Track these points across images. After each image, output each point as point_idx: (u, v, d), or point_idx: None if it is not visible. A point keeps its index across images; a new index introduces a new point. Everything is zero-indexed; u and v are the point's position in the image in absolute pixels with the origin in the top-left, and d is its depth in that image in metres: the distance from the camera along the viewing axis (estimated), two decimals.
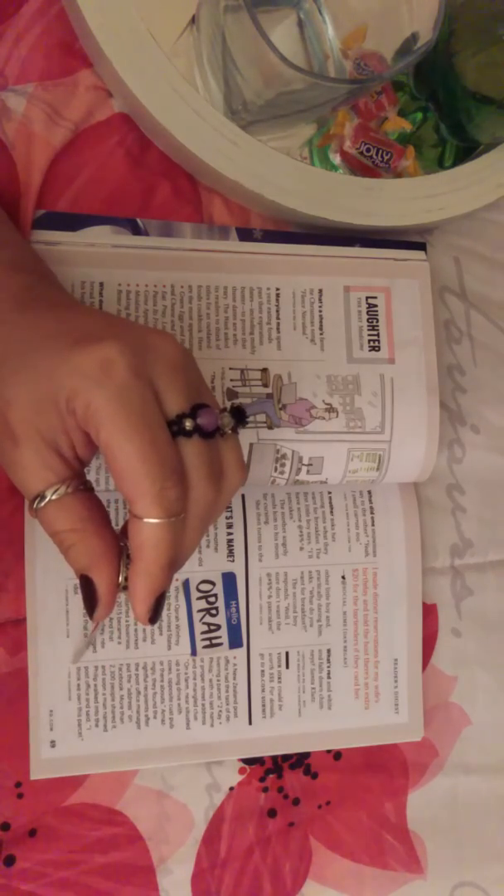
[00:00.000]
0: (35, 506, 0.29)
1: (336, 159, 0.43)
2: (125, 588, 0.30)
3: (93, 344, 0.28)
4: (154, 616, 0.30)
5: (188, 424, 0.28)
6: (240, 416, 0.31)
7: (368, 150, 0.43)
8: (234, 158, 0.39)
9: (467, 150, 0.45)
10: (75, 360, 0.27)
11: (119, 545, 0.30)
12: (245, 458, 0.39)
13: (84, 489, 0.30)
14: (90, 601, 0.30)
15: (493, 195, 0.44)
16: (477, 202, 0.44)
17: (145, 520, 0.28)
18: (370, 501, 0.43)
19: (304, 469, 0.41)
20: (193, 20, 0.40)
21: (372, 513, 0.43)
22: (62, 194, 0.40)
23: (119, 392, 0.27)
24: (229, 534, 0.41)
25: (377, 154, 0.43)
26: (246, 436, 0.39)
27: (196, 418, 0.29)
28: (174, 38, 0.40)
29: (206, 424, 0.29)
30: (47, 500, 0.29)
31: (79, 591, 0.39)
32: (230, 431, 0.31)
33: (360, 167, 0.43)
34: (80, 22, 0.38)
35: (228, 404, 0.31)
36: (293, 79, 0.35)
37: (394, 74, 0.38)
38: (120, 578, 0.30)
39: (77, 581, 0.39)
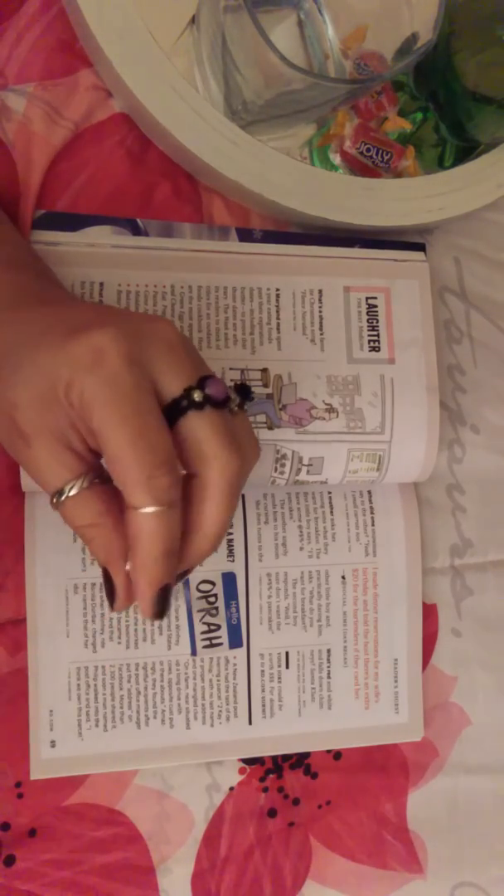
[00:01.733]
0: (54, 501, 0.29)
1: (336, 159, 0.43)
2: None
3: (85, 332, 0.27)
4: (159, 611, 0.29)
5: (197, 396, 0.28)
6: (245, 392, 0.31)
7: (368, 150, 0.43)
8: (234, 158, 0.39)
9: (467, 150, 0.45)
10: (68, 349, 0.27)
11: None
12: None
13: (100, 482, 0.29)
14: (109, 594, 0.30)
15: (493, 195, 0.44)
16: (477, 202, 0.44)
17: (138, 510, 0.27)
18: (370, 501, 0.43)
19: (304, 469, 0.41)
20: (193, 20, 0.40)
21: (372, 513, 0.43)
22: (62, 194, 0.40)
23: (110, 379, 0.27)
24: (229, 534, 0.41)
25: (377, 154, 0.43)
26: None
27: (204, 389, 0.28)
28: (174, 38, 0.40)
29: (215, 393, 0.28)
30: (65, 496, 0.29)
31: (79, 591, 0.39)
32: (237, 408, 0.30)
33: (360, 167, 0.43)
34: (80, 22, 0.38)
35: (232, 383, 0.31)
36: (293, 79, 0.35)
37: (394, 74, 0.38)
38: None
39: (75, 582, 0.39)
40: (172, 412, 0.28)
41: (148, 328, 0.29)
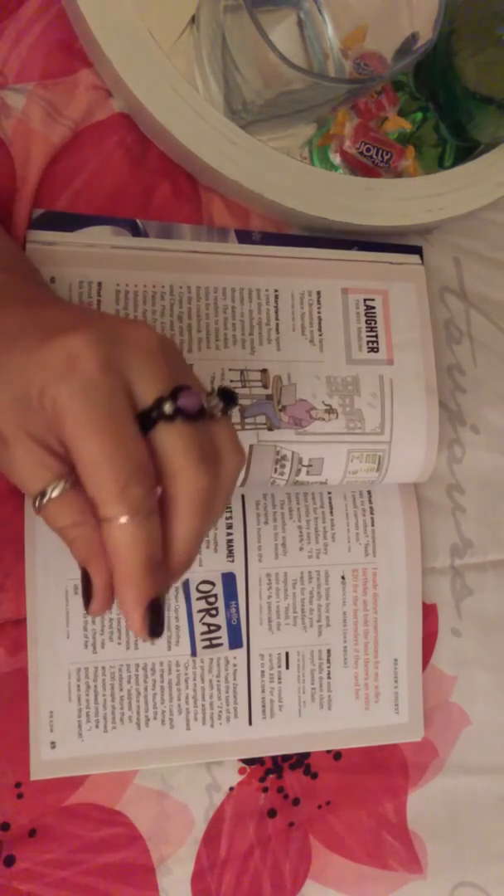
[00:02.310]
0: (37, 504, 0.29)
1: (336, 159, 0.43)
2: None
3: (60, 336, 0.27)
4: (152, 628, 0.28)
5: (167, 407, 0.27)
6: (229, 397, 0.30)
7: (368, 150, 0.43)
8: (234, 158, 0.39)
9: (467, 150, 0.45)
10: (43, 354, 0.27)
11: None
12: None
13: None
14: (86, 595, 0.29)
15: (493, 195, 0.44)
16: (477, 202, 0.44)
17: (113, 521, 0.27)
18: (370, 502, 0.43)
19: (304, 470, 0.41)
20: (193, 20, 0.40)
21: (372, 513, 0.43)
22: (61, 194, 0.40)
23: (83, 387, 0.26)
24: (229, 534, 0.41)
25: (377, 154, 0.43)
26: (246, 437, 0.39)
27: (176, 400, 0.27)
28: (174, 38, 0.40)
29: (187, 405, 0.27)
30: (47, 497, 0.28)
31: (79, 591, 0.39)
32: (220, 414, 0.29)
33: (360, 167, 0.43)
34: (80, 22, 0.38)
35: (217, 387, 0.30)
36: (293, 79, 0.35)
37: (394, 74, 0.38)
38: None
39: (75, 582, 0.39)
40: (144, 422, 0.27)
41: (125, 332, 0.28)
